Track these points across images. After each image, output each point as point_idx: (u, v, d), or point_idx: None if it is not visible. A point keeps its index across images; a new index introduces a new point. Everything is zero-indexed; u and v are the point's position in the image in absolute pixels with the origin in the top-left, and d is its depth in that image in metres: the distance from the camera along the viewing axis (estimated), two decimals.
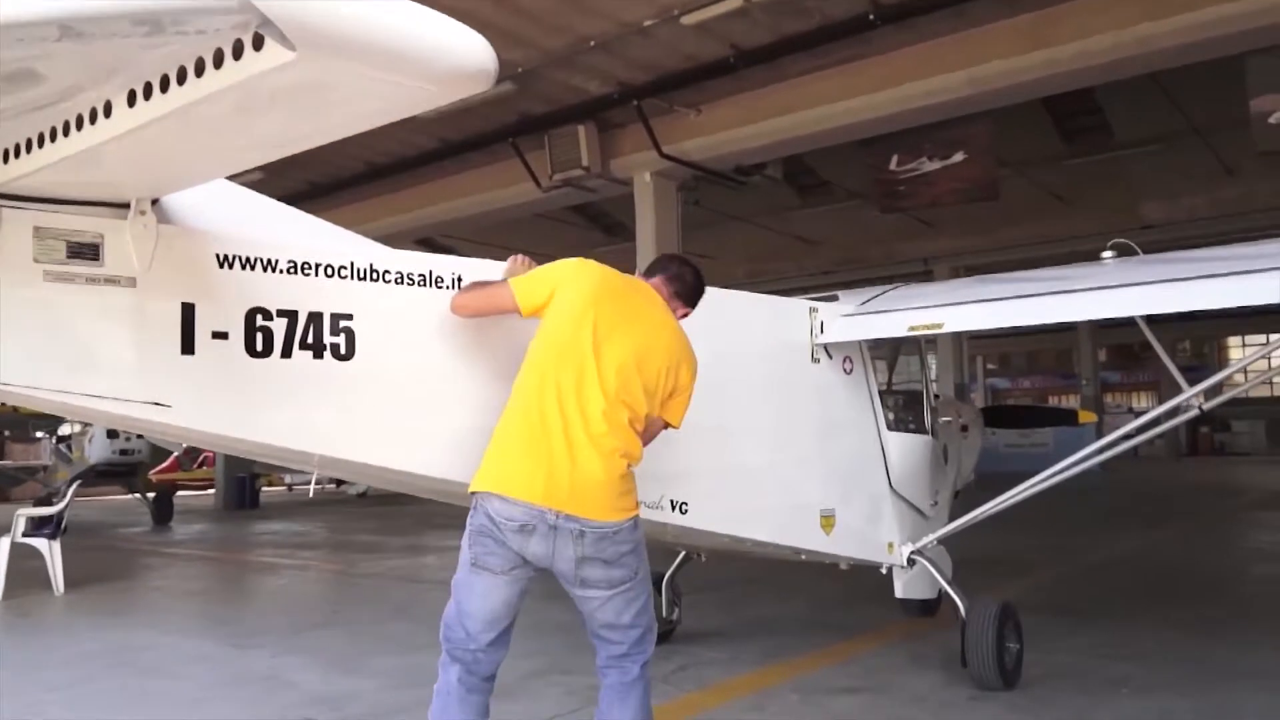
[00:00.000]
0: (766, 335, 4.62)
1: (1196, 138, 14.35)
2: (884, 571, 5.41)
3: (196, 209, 2.80)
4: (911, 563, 5.27)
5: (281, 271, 2.96)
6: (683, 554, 5.87)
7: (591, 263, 3.22)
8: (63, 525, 9.13)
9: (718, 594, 7.43)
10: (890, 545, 5.19)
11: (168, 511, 16.17)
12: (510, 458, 2.91)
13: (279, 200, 3.36)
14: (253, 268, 2.90)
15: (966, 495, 6.50)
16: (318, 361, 3.02)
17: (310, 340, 3.00)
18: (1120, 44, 9.06)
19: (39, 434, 18.61)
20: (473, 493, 2.95)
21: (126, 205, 2.63)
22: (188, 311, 2.76)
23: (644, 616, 3.06)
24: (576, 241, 17.63)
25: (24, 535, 8.62)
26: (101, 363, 2.65)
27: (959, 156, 12.40)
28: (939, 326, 4.36)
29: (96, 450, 15.39)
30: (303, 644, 6.31)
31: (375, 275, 3.16)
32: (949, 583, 5.21)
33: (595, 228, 19.45)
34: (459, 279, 3.35)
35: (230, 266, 2.86)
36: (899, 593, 5.59)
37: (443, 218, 15.04)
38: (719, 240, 18.48)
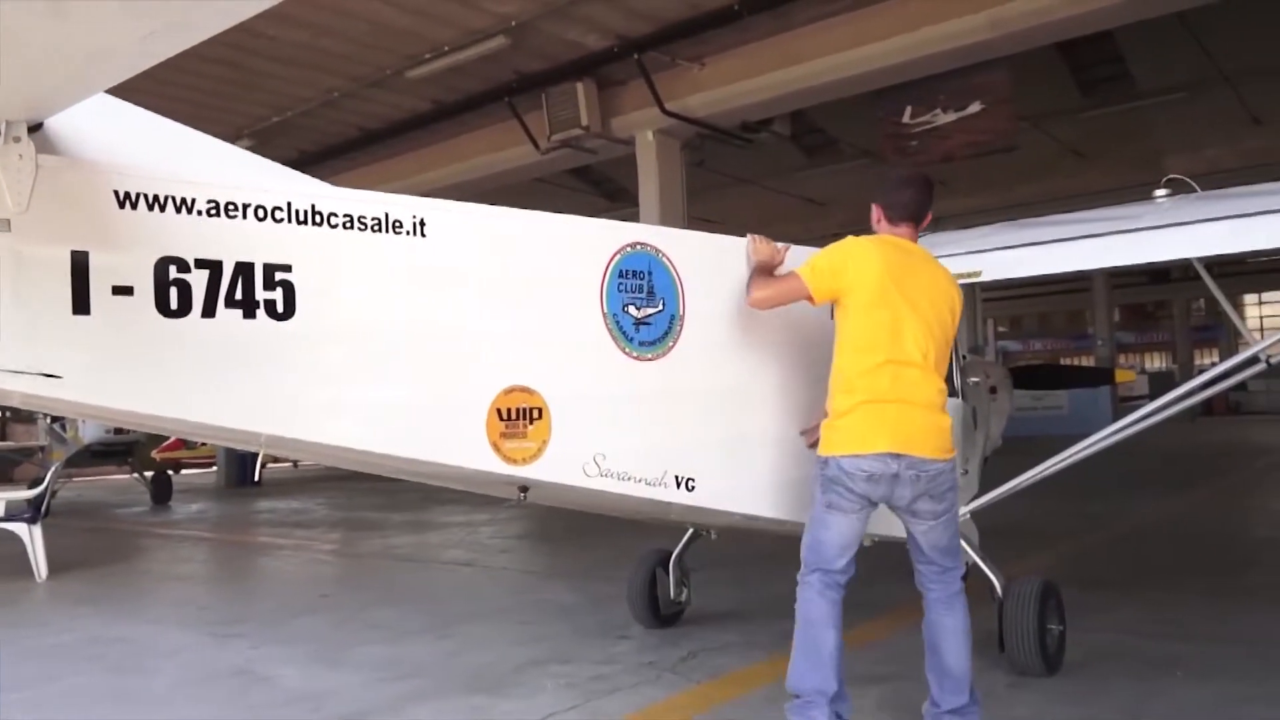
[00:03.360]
0: None
1: (1223, 85, 13.72)
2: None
3: (89, 136, 2.31)
4: None
5: (200, 213, 2.46)
6: (691, 531, 5.44)
7: (861, 240, 3.61)
8: (45, 509, 8.74)
9: (730, 571, 7.00)
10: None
11: (166, 491, 15.85)
12: (859, 425, 3.43)
13: None
14: (163, 208, 2.40)
15: (992, 462, 6.08)
16: (249, 322, 2.54)
17: (239, 296, 2.52)
18: None
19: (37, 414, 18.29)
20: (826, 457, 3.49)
21: None
22: (80, 261, 2.27)
23: (956, 540, 3.64)
24: (578, 208, 17.13)
25: (1, 520, 8.23)
26: None
27: (975, 107, 11.78)
28: (976, 275, 3.88)
29: (91, 430, 15.01)
30: (285, 633, 5.92)
31: (319, 218, 2.67)
32: (980, 557, 4.77)
33: (597, 193, 18.97)
34: (421, 222, 2.87)
35: (133, 206, 2.36)
36: None
37: (439, 184, 14.52)
38: (724, 203, 17.97)
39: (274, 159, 3.32)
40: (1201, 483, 13.46)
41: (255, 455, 3.02)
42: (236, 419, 2.58)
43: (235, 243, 2.53)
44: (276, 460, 21.71)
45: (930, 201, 3.70)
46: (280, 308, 2.60)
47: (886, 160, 13.54)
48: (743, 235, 4.28)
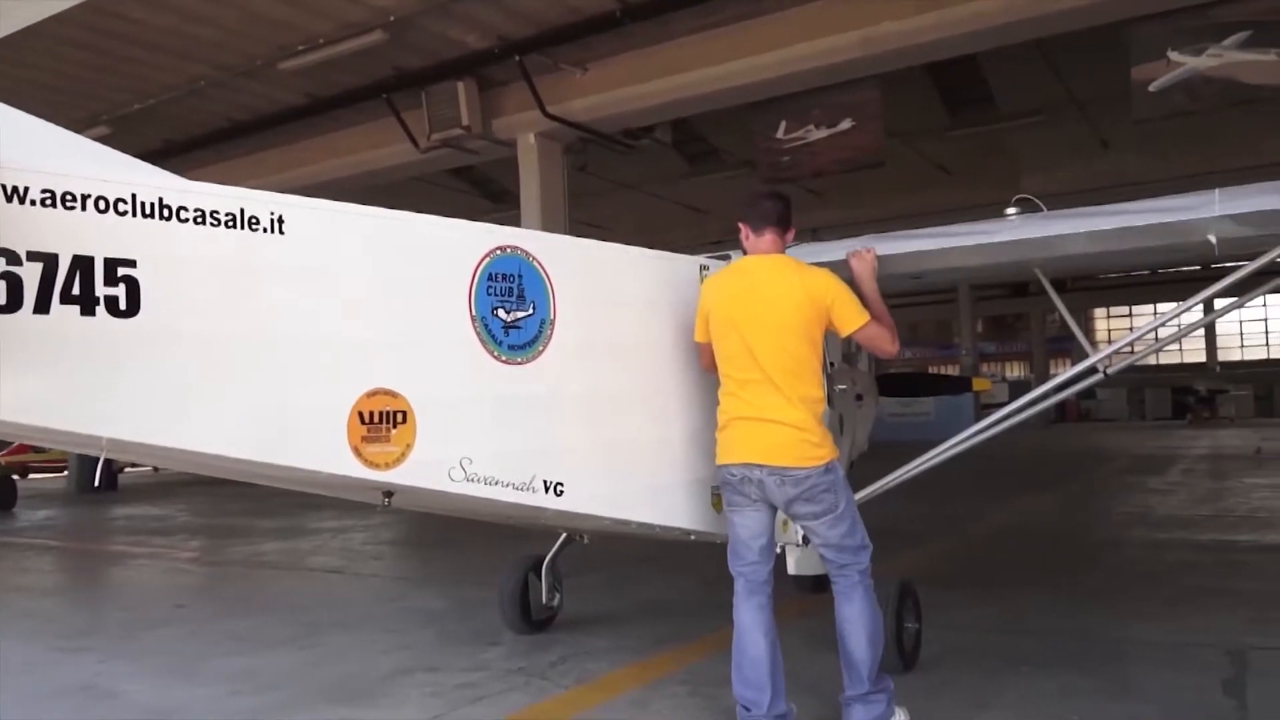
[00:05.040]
0: (651, 294, 4.18)
1: (1075, 110, 14.58)
2: (777, 549, 5.09)
3: None
4: (808, 539, 4.95)
5: (34, 202, 2.30)
6: (564, 536, 5.43)
7: (709, 280, 3.95)
8: None
9: (603, 575, 7.03)
10: (786, 522, 4.84)
11: (10, 496, 14.90)
12: (726, 438, 3.72)
13: None
14: None
15: (860, 466, 6.28)
16: (87, 319, 2.39)
17: (76, 292, 2.36)
18: (1011, 6, 8.97)
19: None
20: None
21: None
22: None
23: (851, 538, 3.73)
24: (460, 209, 16.94)
25: None
26: None
27: (846, 124, 12.15)
28: None
29: None
30: (137, 646, 5.63)
31: (167, 211, 2.55)
32: None
33: (480, 194, 18.78)
34: (280, 220, 2.78)
35: None
36: (792, 570, 5.30)
37: (314, 180, 14.09)
38: (607, 209, 18.07)
39: (135, 148, 3.16)
40: (1053, 486, 14.25)
41: (100, 460, 2.85)
42: (73, 422, 2.43)
43: (73, 235, 2.37)
44: (135, 464, 20.70)
45: (788, 210, 3.83)
46: (123, 305, 2.46)
47: (760, 176, 13.86)
48: (626, 240, 4.32)
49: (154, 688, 4.72)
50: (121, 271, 2.45)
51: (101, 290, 2.41)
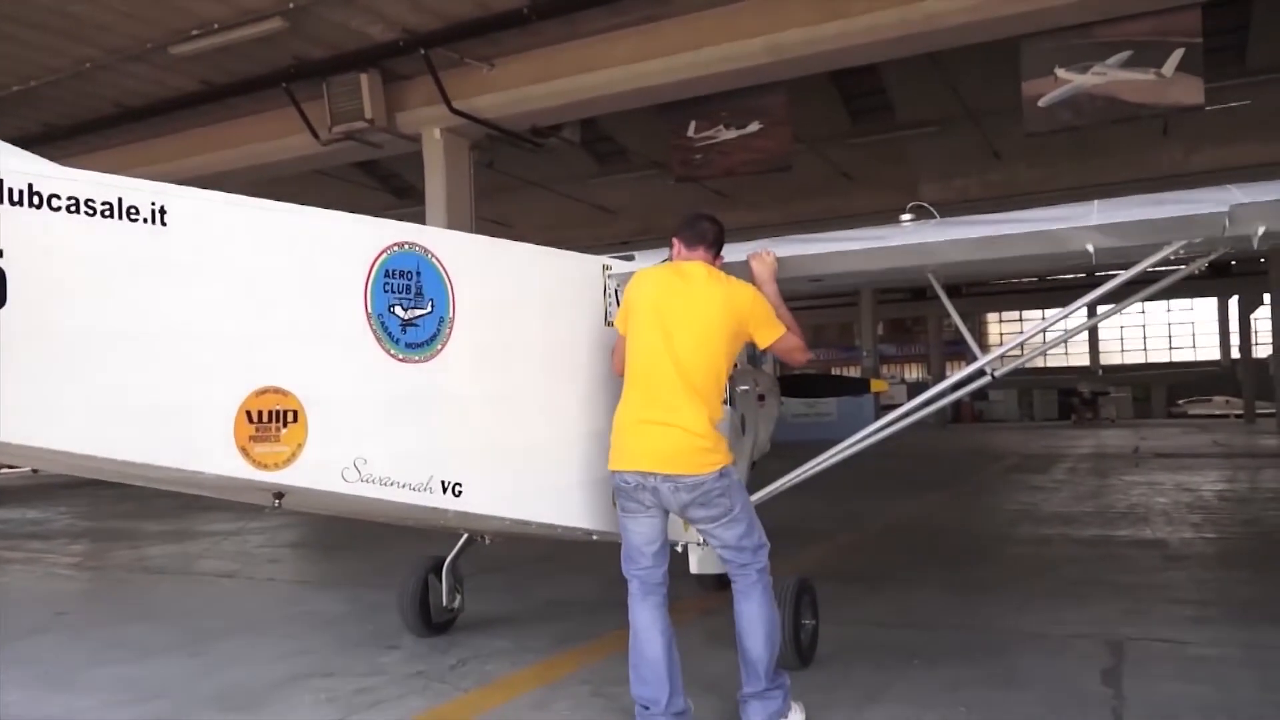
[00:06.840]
0: (552, 294, 4.17)
1: (969, 121, 15.09)
2: (679, 549, 5.13)
3: None
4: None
5: None
6: (465, 537, 5.36)
7: (643, 271, 3.94)
8: None
9: (505, 575, 6.97)
10: (686, 522, 4.89)
11: None
12: (620, 442, 3.68)
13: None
14: None
15: (762, 466, 6.37)
16: None
17: None
18: (907, 19, 9.24)
19: None
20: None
21: None
22: None
23: (749, 538, 3.73)
24: (363, 203, 16.63)
25: None
26: None
27: (755, 126, 12.33)
28: None
29: None
30: (11, 655, 5.34)
31: (37, 199, 2.43)
32: None
33: (384, 189, 18.46)
34: (162, 210, 2.67)
35: None
36: (694, 569, 5.35)
37: (209, 170, 13.62)
38: (515, 206, 17.94)
39: (13, 132, 3.00)
40: (945, 484, 14.72)
41: None
42: None
43: None
44: (11, 465, 19.64)
45: (722, 235, 3.92)
46: None
47: (673, 172, 13.97)
48: (532, 239, 4.29)
49: (31, 698, 4.49)
50: None
51: None
